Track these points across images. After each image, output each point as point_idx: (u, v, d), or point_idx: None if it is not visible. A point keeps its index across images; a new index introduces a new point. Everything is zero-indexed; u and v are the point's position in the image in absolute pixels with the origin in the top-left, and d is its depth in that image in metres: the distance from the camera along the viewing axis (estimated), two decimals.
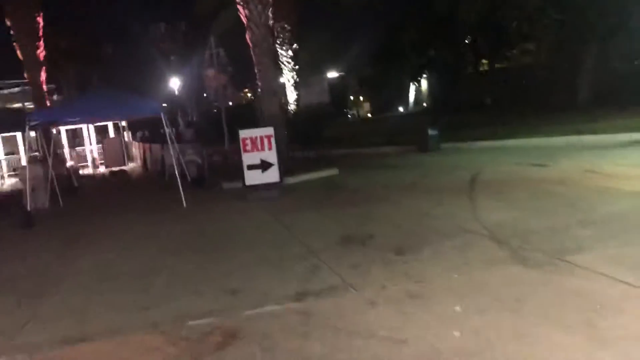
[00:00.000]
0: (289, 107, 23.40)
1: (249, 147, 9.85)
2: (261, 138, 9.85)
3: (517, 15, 17.04)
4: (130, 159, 23.41)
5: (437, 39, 27.25)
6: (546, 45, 19.19)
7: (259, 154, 9.85)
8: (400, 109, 42.76)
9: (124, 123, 24.98)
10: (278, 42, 22.95)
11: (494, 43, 25.47)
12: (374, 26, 44.88)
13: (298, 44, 23.67)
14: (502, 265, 4.63)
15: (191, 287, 4.96)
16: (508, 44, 25.03)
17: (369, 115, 47.43)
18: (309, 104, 29.19)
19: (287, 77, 23.26)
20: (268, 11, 12.10)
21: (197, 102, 42.93)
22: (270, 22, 12.27)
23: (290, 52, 22.92)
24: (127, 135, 26.46)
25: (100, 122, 21.27)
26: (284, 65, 23.08)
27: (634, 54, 19.04)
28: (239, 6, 12.18)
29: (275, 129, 10.30)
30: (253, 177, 9.87)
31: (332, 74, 41.92)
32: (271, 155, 9.88)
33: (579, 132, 12.82)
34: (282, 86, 24.00)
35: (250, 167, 9.85)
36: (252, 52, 12.41)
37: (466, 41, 31.63)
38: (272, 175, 9.90)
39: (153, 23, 48.60)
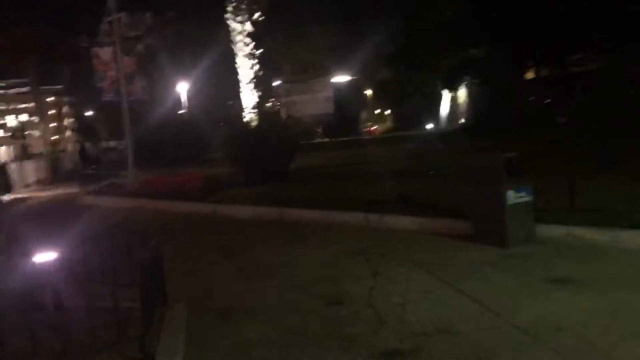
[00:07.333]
0: (243, 116, 14.07)
1: None
2: None
3: None
4: None
5: (486, 22, 17.57)
6: None
7: None
8: (429, 125, 32.33)
9: None
10: (229, 9, 13.73)
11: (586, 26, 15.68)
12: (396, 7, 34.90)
13: (268, 17, 14.37)
14: None
15: None
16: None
17: (389, 131, 37.55)
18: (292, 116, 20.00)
19: (243, 67, 13.84)
20: None
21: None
22: None
23: (248, 26, 13.54)
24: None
25: None
26: (236, 45, 13.68)
27: None
28: None
29: None
30: None
31: (341, 78, 32.20)
32: None
33: None
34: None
35: None
36: None
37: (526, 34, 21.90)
38: None
39: None
